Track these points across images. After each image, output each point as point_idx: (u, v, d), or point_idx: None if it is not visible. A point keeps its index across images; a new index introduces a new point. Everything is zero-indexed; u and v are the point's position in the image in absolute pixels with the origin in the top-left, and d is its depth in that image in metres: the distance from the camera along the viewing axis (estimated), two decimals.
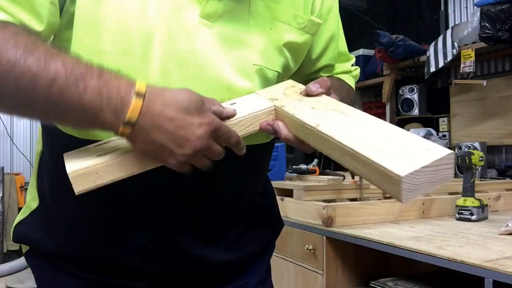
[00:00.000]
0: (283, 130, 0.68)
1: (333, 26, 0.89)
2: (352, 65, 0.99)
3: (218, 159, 0.63)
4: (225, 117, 0.65)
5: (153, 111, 0.58)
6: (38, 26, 0.64)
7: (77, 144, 0.65)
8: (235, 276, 0.87)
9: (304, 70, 0.89)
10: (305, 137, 0.65)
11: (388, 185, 0.52)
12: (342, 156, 0.58)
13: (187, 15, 0.70)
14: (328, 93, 0.72)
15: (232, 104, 0.69)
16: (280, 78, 0.81)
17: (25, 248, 0.83)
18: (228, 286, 0.86)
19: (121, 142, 0.62)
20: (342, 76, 0.96)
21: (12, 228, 0.83)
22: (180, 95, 0.60)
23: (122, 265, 0.76)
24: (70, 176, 0.59)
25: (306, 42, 0.82)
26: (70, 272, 0.77)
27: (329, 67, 0.93)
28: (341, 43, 0.95)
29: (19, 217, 0.83)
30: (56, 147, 0.73)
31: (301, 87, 0.74)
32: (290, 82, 0.78)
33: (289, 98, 0.71)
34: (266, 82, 0.77)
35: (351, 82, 0.97)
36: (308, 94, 0.71)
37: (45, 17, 0.64)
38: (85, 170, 0.59)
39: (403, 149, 0.54)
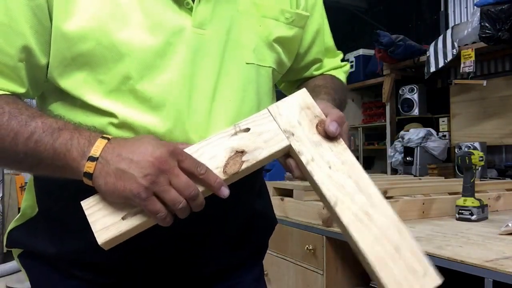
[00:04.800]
0: (296, 171, 0.68)
1: (319, 20, 0.91)
2: (342, 61, 1.01)
3: (188, 194, 0.61)
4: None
5: (114, 146, 0.63)
6: (21, 89, 0.70)
7: None
8: (231, 274, 0.88)
9: (293, 64, 0.90)
10: (317, 194, 0.67)
11: None
12: (350, 241, 0.63)
13: (183, 30, 0.71)
14: (343, 129, 0.69)
15: (245, 130, 0.66)
16: (275, 73, 0.83)
17: (17, 251, 0.83)
18: (224, 284, 0.87)
19: None
20: (333, 72, 0.98)
21: (6, 234, 0.84)
22: (141, 135, 0.65)
23: (122, 265, 0.76)
24: (98, 239, 0.62)
25: (296, 35, 0.84)
26: (66, 272, 0.77)
27: (318, 62, 0.95)
28: (328, 38, 0.96)
29: (13, 223, 0.83)
30: None
31: (317, 112, 0.69)
32: (306, 99, 0.70)
33: (305, 134, 0.67)
34: (261, 79, 0.79)
35: (343, 77, 0.99)
36: (325, 131, 0.67)
37: (24, 78, 0.70)
38: (112, 237, 0.62)
39: (405, 267, 0.61)
